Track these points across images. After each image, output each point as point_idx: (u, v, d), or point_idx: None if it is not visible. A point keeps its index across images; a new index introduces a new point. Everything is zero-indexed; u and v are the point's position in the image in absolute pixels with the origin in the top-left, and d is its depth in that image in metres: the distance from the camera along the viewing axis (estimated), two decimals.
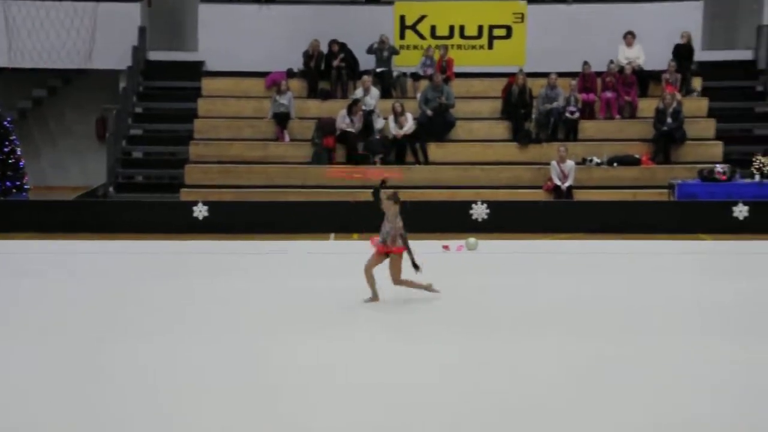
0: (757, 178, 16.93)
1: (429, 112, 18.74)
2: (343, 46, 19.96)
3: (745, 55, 21.59)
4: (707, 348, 7.97)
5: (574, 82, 19.13)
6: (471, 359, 7.68)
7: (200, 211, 15.64)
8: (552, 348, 7.99)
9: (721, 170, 16.95)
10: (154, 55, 21.54)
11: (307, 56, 20.01)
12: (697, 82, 20.01)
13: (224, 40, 20.90)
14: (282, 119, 19.07)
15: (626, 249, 13.62)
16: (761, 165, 17.01)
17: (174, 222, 15.58)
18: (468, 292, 10.38)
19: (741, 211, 15.44)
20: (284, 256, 13.15)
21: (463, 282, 10.85)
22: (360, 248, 14.08)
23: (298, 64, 20.30)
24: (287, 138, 19.10)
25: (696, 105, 19.53)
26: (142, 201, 16.99)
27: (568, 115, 18.82)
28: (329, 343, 8.26)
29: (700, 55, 20.90)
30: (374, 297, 9.96)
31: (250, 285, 10.93)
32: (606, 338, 8.32)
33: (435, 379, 7.11)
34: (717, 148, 18.61)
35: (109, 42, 20.43)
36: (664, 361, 7.55)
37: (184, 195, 17.63)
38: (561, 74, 19.13)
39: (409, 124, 18.46)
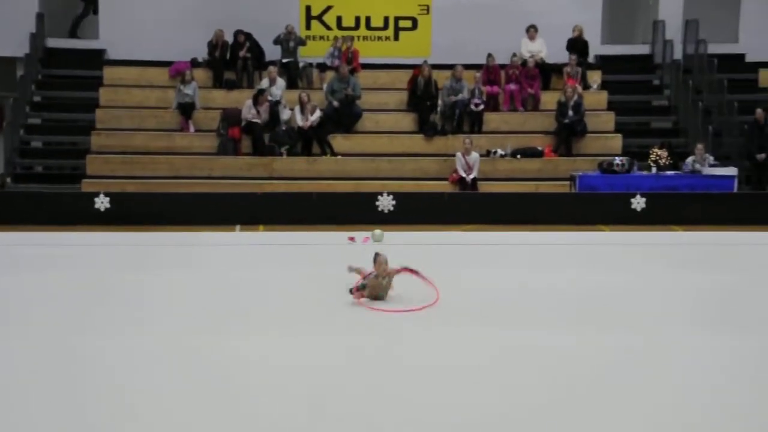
0: (654, 170, 17.41)
1: (335, 103, 18.75)
2: (249, 36, 19.82)
3: (643, 49, 22.23)
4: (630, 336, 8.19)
5: (478, 74, 19.36)
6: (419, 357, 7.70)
7: (102, 203, 15.35)
8: (498, 339, 8.07)
9: (619, 162, 17.38)
10: (53, 43, 21.04)
11: (212, 46, 19.81)
12: (596, 76, 20.48)
13: (126, 28, 20.58)
14: (186, 109, 18.84)
15: (530, 240, 13.86)
16: (658, 157, 17.49)
17: (75, 213, 15.25)
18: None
19: (639, 202, 15.89)
20: (190, 249, 12.99)
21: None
22: (266, 239, 14.09)
23: (202, 54, 20.07)
24: (192, 128, 18.88)
25: (596, 98, 19.99)
26: (42, 192, 16.58)
27: (472, 107, 19.05)
28: (279, 339, 8.05)
29: (599, 49, 21.46)
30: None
31: (162, 278, 10.73)
32: (538, 329, 8.43)
33: (395, 375, 7.08)
34: (616, 141, 19.09)
35: (5, 28, 19.88)
36: (596, 353, 7.71)
37: (86, 186, 17.28)
38: (466, 66, 19.33)
39: (316, 115, 18.44)
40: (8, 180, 18.22)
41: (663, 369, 7.24)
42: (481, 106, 19.13)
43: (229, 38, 19.84)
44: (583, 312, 9.15)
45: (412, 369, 7.16)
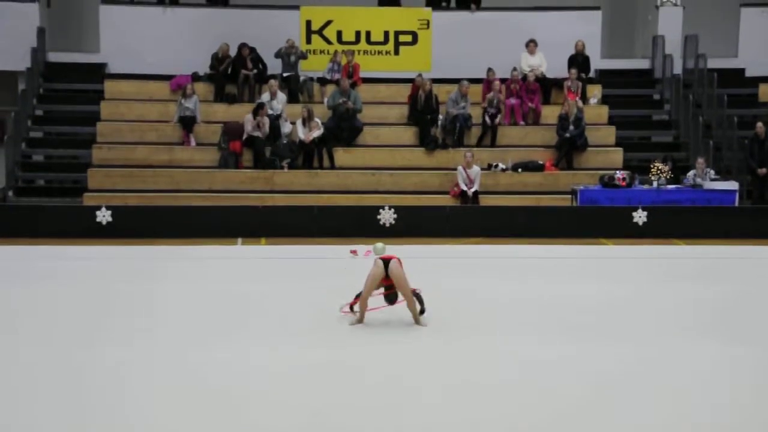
0: (655, 184, 17.41)
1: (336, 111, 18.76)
2: (253, 50, 19.85)
3: (643, 63, 22.29)
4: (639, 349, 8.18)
5: (502, 86, 19.34)
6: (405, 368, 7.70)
7: (104, 216, 15.36)
8: (503, 351, 8.07)
9: (621, 176, 17.39)
10: (55, 57, 21.06)
11: (216, 59, 19.80)
12: (595, 90, 20.46)
13: (127, 42, 20.59)
14: (187, 123, 18.85)
15: (532, 254, 13.85)
16: (659, 171, 17.50)
17: (77, 227, 15.31)
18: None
19: (640, 216, 15.91)
20: (192, 262, 12.97)
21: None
22: (268, 253, 14.07)
23: (203, 68, 20.10)
24: (193, 142, 18.89)
25: (596, 112, 20.02)
26: (44, 205, 16.61)
27: (487, 119, 19.03)
28: (288, 349, 8.11)
29: (599, 63, 21.49)
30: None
31: (163, 291, 10.72)
32: (544, 341, 8.44)
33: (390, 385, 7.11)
34: (617, 155, 19.11)
35: (6, 42, 19.91)
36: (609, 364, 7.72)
37: (87, 199, 17.28)
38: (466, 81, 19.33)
39: (320, 129, 18.45)
40: (10, 193, 18.22)
41: (676, 378, 7.26)
42: (498, 117, 19.11)
43: (232, 52, 19.85)
44: (588, 325, 9.16)
45: (412, 382, 7.17)
